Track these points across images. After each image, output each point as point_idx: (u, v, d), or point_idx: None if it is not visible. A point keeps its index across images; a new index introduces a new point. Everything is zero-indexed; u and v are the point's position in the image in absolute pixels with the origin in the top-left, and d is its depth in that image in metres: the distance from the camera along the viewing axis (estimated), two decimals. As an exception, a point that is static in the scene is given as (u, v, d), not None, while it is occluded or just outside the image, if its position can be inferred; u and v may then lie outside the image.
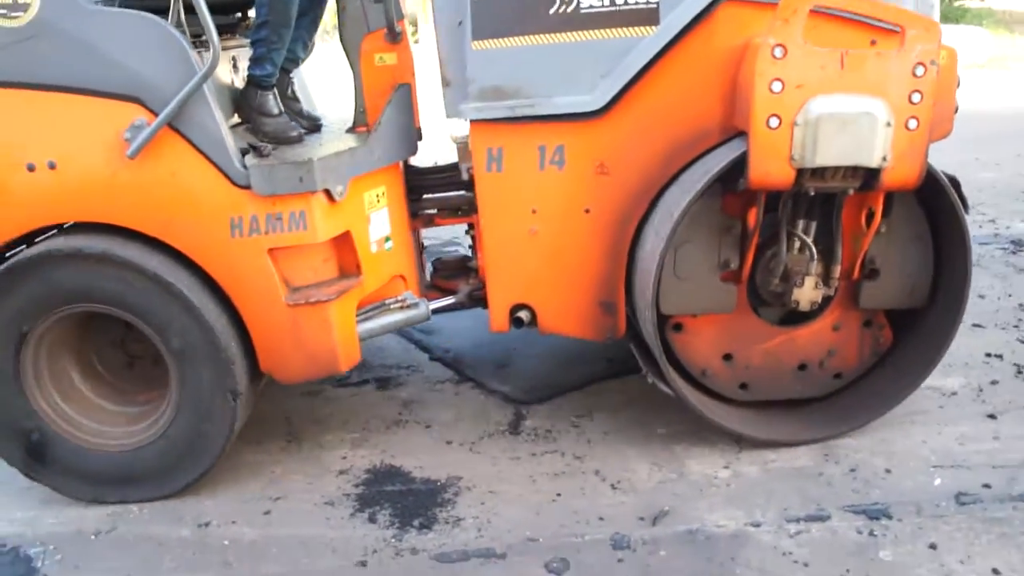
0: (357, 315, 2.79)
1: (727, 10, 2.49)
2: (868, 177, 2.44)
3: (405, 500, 2.62)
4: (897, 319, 2.86)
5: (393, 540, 2.43)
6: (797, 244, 2.66)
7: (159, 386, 2.77)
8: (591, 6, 2.56)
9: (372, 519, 2.54)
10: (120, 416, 2.85)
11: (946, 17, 15.77)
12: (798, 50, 2.35)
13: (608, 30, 2.58)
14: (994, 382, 3.10)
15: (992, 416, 2.88)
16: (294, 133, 2.86)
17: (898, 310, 2.83)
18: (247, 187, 2.54)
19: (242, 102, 2.88)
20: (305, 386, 3.36)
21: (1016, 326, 3.57)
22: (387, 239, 2.87)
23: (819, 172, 2.43)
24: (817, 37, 2.38)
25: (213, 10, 2.56)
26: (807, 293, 2.68)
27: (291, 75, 3.16)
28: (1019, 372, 3.17)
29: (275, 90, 2.92)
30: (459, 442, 2.94)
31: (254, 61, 2.84)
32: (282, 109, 2.93)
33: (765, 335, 2.83)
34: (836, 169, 2.41)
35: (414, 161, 3.04)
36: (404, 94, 2.81)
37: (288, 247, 2.61)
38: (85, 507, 2.72)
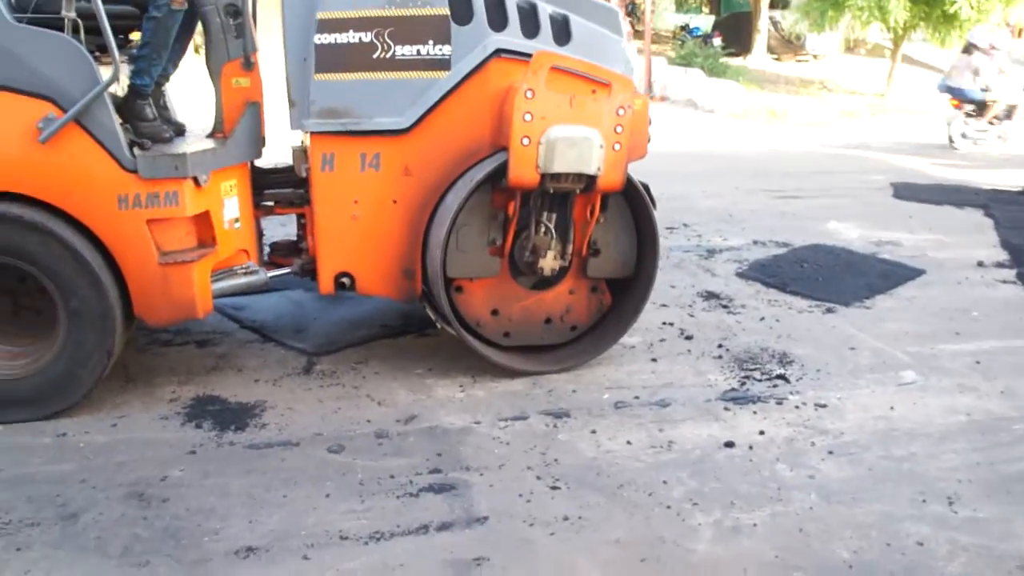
0: (211, 276, 3.61)
1: (497, 64, 3.57)
2: (589, 181, 3.55)
3: (223, 415, 3.45)
4: (615, 287, 3.96)
5: (215, 438, 3.27)
6: (543, 229, 3.70)
7: (41, 332, 3.49)
8: (404, 55, 3.55)
9: (198, 426, 3.36)
10: (15, 352, 3.54)
11: (712, 71, 18.00)
12: (542, 93, 3.45)
13: (415, 72, 3.58)
14: (662, 340, 4.30)
15: (654, 360, 4.06)
16: (166, 135, 3.62)
17: (614, 279, 3.93)
18: (134, 171, 3.33)
19: (124, 107, 3.59)
20: (138, 345, 4.14)
21: (691, 306, 4.82)
22: (236, 220, 3.70)
23: (556, 176, 3.52)
24: (558, 86, 3.48)
25: (98, 32, 3.35)
26: (549, 263, 3.73)
27: (163, 88, 3.98)
28: (681, 334, 4.38)
29: (151, 99, 3.70)
30: (264, 380, 3.78)
31: (135, 73, 3.59)
32: (156, 115, 3.69)
33: (521, 296, 3.85)
34: (567, 175, 3.52)
35: (258, 163, 3.91)
36: (254, 110, 3.68)
37: (162, 219, 3.42)
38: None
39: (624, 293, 3.96)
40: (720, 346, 4.19)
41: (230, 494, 2.89)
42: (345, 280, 3.78)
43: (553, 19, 3.68)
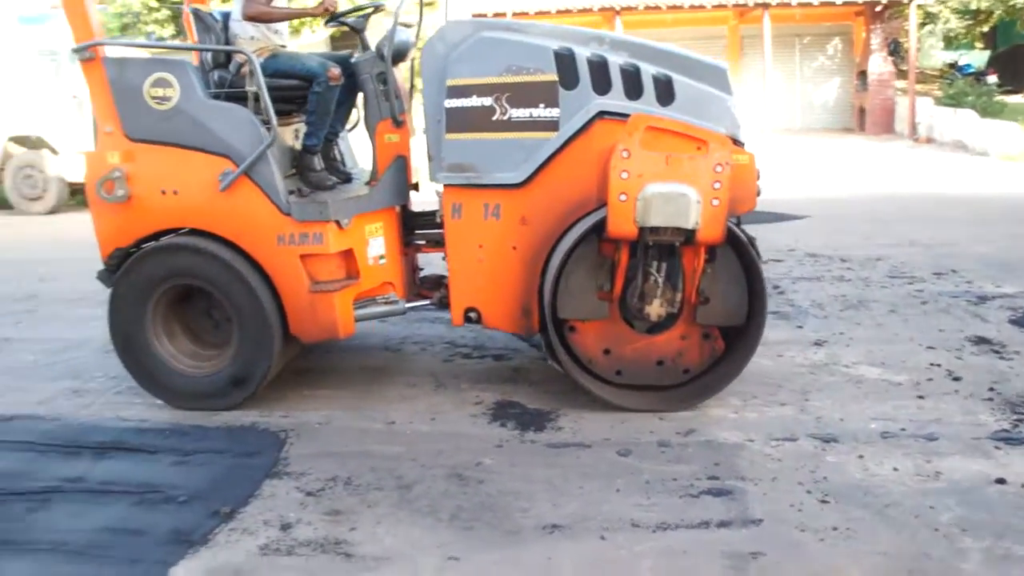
0: (354, 304, 4.27)
1: (600, 125, 3.89)
2: (688, 234, 3.75)
3: (523, 417, 4.03)
4: (729, 332, 4.09)
5: (518, 435, 3.84)
6: (651, 277, 3.92)
7: (226, 337, 4.33)
8: (518, 117, 3.94)
9: (502, 425, 3.96)
10: (200, 354, 4.42)
11: (985, 111, 17.03)
12: (637, 153, 3.73)
13: (527, 133, 3.95)
14: (930, 379, 4.40)
15: (920, 397, 4.16)
16: (328, 183, 4.40)
17: (727, 327, 4.07)
18: (289, 215, 4.10)
19: (298, 160, 4.45)
20: (444, 357, 4.85)
21: (959, 349, 4.83)
22: (381, 257, 4.35)
23: (655, 229, 3.74)
24: (654, 144, 3.75)
25: (285, 100, 4.41)
26: (656, 309, 3.93)
27: (334, 143, 4.79)
28: (948, 375, 4.43)
29: (319, 154, 4.46)
30: (555, 391, 4.33)
31: (306, 135, 4.40)
32: (323, 166, 4.47)
33: (633, 338, 4.08)
34: (666, 228, 3.73)
35: (414, 207, 4.58)
36: (401, 163, 4.33)
37: (311, 255, 4.15)
38: (303, 411, 4.21)
39: (737, 340, 4.10)
40: (991, 389, 4.22)
41: (534, 481, 3.40)
42: (472, 314, 4.23)
43: (656, 80, 3.89)
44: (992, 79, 20.94)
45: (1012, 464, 3.45)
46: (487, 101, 3.95)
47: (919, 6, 20.04)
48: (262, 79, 4.07)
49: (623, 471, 3.47)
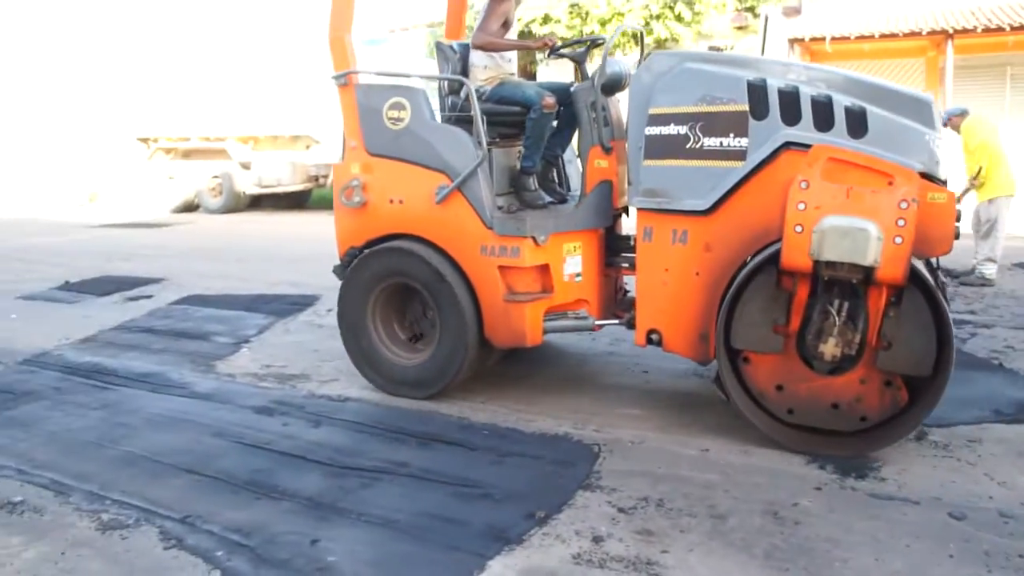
0: (546, 316, 4.54)
1: (787, 156, 3.84)
2: (866, 272, 3.55)
3: (843, 462, 3.83)
4: (915, 384, 3.77)
5: (837, 480, 3.66)
6: (828, 315, 3.73)
7: (429, 336, 4.85)
8: (709, 145, 3.98)
9: (821, 467, 3.79)
10: (411, 346, 4.98)
11: None
12: (817, 184, 3.66)
13: (716, 161, 3.98)
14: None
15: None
16: (540, 202, 4.76)
17: (913, 376, 3.73)
18: (491, 228, 4.45)
19: (515, 179, 4.83)
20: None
21: None
22: (578, 275, 4.59)
23: (831, 264, 3.61)
24: (836, 177, 3.68)
25: (508, 124, 4.86)
26: (830, 349, 3.75)
27: (554, 165, 5.05)
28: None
29: (536, 175, 4.81)
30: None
31: (523, 157, 4.78)
32: (537, 187, 4.82)
33: (808, 377, 3.89)
34: (842, 264, 3.58)
35: (625, 231, 4.79)
36: (606, 187, 4.57)
37: (509, 267, 4.47)
38: (615, 427, 4.29)
39: (921, 391, 3.77)
40: None
41: (854, 531, 3.23)
42: (654, 336, 4.29)
43: (849, 111, 3.77)
44: None
45: None
46: (683, 129, 4.05)
47: None
48: (476, 105, 4.48)
49: (957, 536, 3.20)
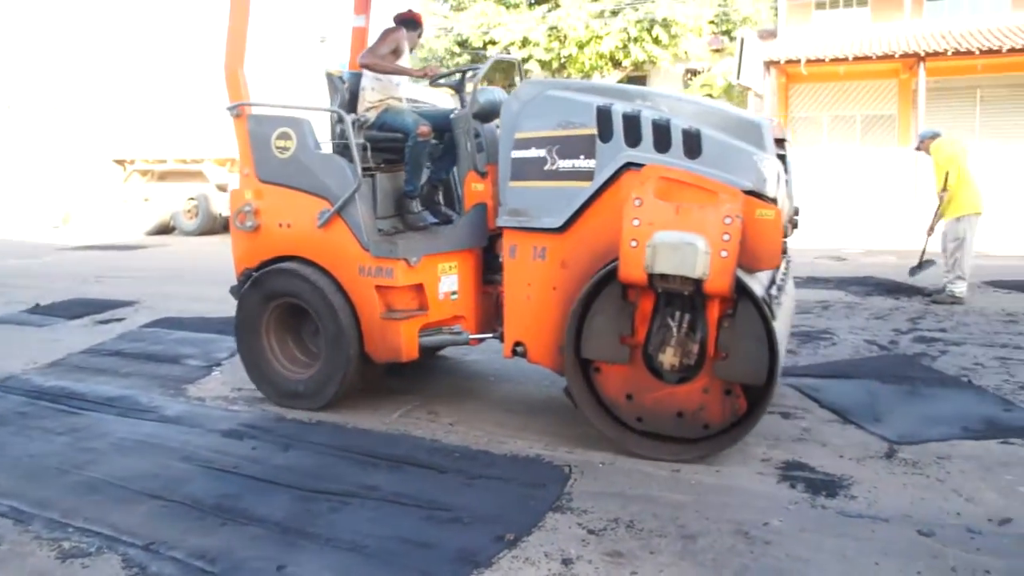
0: (422, 332, 4.76)
1: (628, 175, 4.05)
2: (697, 285, 3.76)
3: (813, 481, 3.83)
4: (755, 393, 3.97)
5: (808, 499, 3.65)
6: (666, 326, 3.95)
7: (318, 351, 5.03)
8: (563, 167, 4.22)
9: (792, 486, 3.78)
10: (301, 361, 5.19)
11: None
12: (650, 202, 3.88)
13: (569, 182, 4.22)
14: None
15: None
16: (422, 224, 5.05)
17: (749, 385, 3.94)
18: (368, 250, 4.68)
19: (400, 203, 5.15)
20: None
21: None
22: (454, 293, 4.84)
23: (664, 277, 3.81)
24: (667, 195, 3.90)
25: (394, 150, 5.13)
26: (668, 358, 3.95)
27: (439, 188, 5.37)
28: None
29: (419, 198, 5.11)
30: (847, 457, 4.09)
31: (405, 182, 5.08)
32: (420, 209, 5.11)
33: (654, 386, 4.09)
34: (675, 277, 3.78)
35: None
36: (481, 210, 4.84)
37: (384, 286, 4.70)
38: (587, 448, 4.27)
39: (758, 399, 3.98)
40: None
41: (824, 550, 3.22)
42: (519, 348, 4.49)
43: (686, 134, 3.98)
44: None
45: None
46: (542, 152, 4.29)
47: None
48: (352, 135, 4.74)
49: (925, 553, 3.20)
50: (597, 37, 22.56)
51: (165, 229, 18.68)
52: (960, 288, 7.90)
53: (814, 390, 5.10)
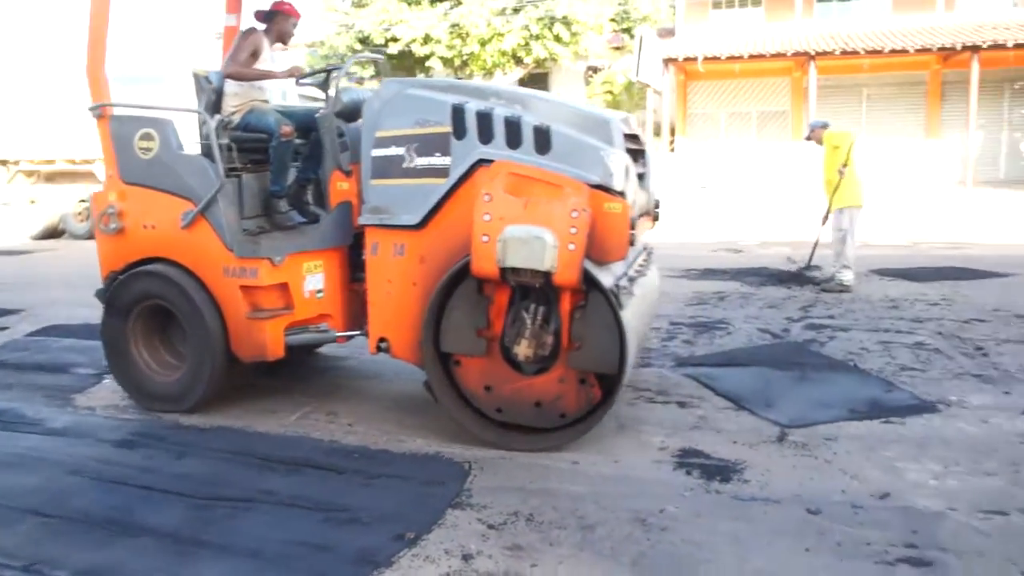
0: (288, 331, 4.76)
1: (481, 171, 4.13)
2: (546, 277, 3.87)
3: (708, 467, 3.93)
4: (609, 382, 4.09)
5: (702, 485, 3.75)
6: (520, 318, 4.05)
7: (185, 349, 4.97)
8: (420, 164, 4.27)
9: (687, 473, 3.88)
10: (169, 363, 5.12)
11: None
12: (499, 197, 3.96)
13: (425, 179, 4.27)
14: None
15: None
16: (289, 224, 5.04)
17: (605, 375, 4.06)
18: (232, 250, 4.68)
19: (267, 203, 5.11)
20: (627, 399, 4.87)
21: None
22: (319, 291, 4.86)
23: (515, 270, 3.89)
24: (516, 190, 3.97)
25: (260, 151, 5.08)
26: (523, 350, 4.04)
27: (307, 187, 5.24)
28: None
29: (285, 198, 5.11)
30: (741, 442, 4.22)
31: (271, 182, 5.05)
32: (287, 209, 5.13)
33: (513, 378, 4.19)
34: (525, 270, 3.86)
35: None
36: (346, 208, 4.84)
37: (249, 286, 4.70)
38: (484, 444, 4.27)
39: (611, 387, 4.11)
40: None
41: (719, 533, 3.31)
42: (383, 344, 4.54)
43: (537, 130, 4.06)
44: None
45: None
46: (401, 151, 4.34)
47: None
48: (214, 137, 4.75)
49: (813, 531, 3.33)
50: (499, 34, 22.61)
51: (54, 233, 17.90)
52: (847, 277, 8.22)
53: (710, 379, 5.24)
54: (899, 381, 5.18)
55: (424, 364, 4.36)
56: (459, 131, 4.21)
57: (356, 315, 5.03)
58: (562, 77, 25.62)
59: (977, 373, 5.35)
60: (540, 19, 22.46)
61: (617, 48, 25.16)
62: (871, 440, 4.23)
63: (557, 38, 22.76)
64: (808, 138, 8.76)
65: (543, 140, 4.08)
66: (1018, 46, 18.78)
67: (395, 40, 22.58)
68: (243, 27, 5.45)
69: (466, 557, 3.18)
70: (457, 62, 23.20)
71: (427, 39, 22.61)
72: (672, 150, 22.54)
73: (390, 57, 21.48)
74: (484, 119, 4.17)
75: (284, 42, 5.49)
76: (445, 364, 4.33)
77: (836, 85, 21.63)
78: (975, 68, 19.04)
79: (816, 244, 8.90)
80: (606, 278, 4.01)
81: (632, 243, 4.05)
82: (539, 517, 3.49)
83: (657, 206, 5.00)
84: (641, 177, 4.60)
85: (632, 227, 4.03)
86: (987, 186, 19.63)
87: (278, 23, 5.37)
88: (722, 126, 23.28)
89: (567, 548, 3.24)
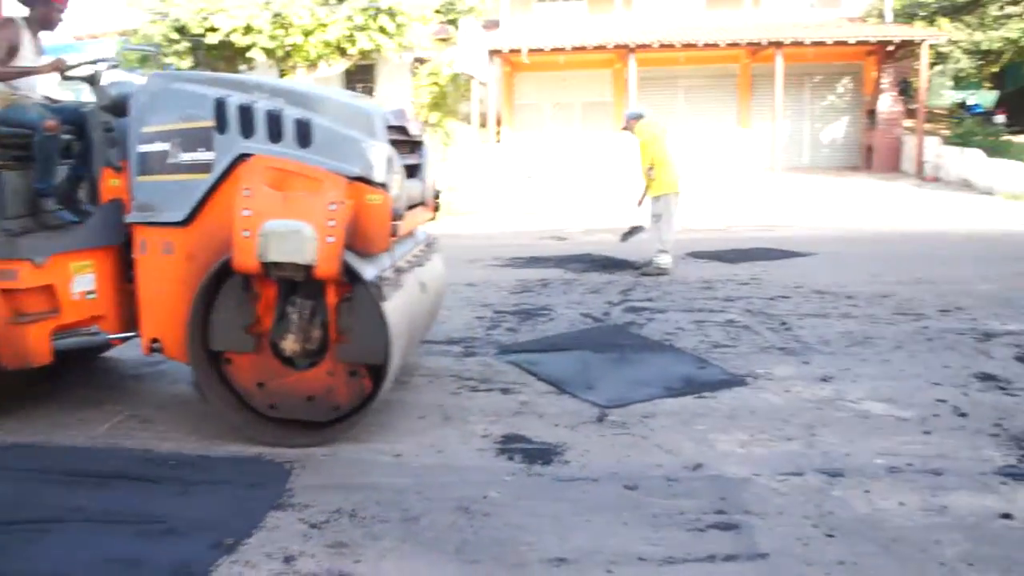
0: (55, 335, 4.47)
1: (243, 166, 4.05)
2: (308, 271, 3.85)
3: (530, 451, 4.00)
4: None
5: (524, 469, 3.81)
6: (288, 312, 4.05)
7: None
8: (184, 160, 4.17)
9: (510, 458, 3.93)
10: None
11: (993, 151, 17.12)
12: (258, 191, 3.92)
13: (190, 175, 4.18)
14: (936, 415, 4.41)
15: (927, 432, 4.14)
16: (55, 222, 4.74)
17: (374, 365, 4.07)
18: None
19: (33, 201, 4.78)
20: (451, 389, 4.90)
21: (965, 386, 4.84)
22: (90, 292, 4.57)
23: (277, 265, 3.87)
24: (275, 184, 3.94)
25: (22, 147, 4.73)
26: (289, 344, 4.05)
27: (79, 185, 4.98)
28: (955, 411, 4.44)
29: (55, 196, 4.81)
30: (562, 425, 4.32)
31: (36, 179, 4.72)
32: (56, 207, 4.83)
33: (284, 373, 4.17)
34: (286, 264, 3.85)
35: None
36: (116, 206, 4.55)
37: (8, 289, 4.38)
38: (304, 448, 4.15)
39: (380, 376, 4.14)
40: (997, 425, 4.22)
41: (540, 515, 3.38)
42: (155, 344, 4.42)
43: (298, 123, 4.05)
44: (1000, 119, 21.08)
45: (1018, 499, 3.44)
46: (165, 146, 4.22)
47: (931, 46, 20.19)
48: None
49: (630, 505, 3.46)
50: (322, 25, 22.11)
51: None
52: (665, 260, 8.60)
53: (532, 364, 5.35)
54: (712, 358, 5.46)
55: (192, 363, 4.24)
56: (222, 125, 4.11)
57: (132, 316, 4.76)
58: (388, 69, 25.36)
59: (781, 346, 5.72)
60: (365, 10, 22.11)
61: (443, 39, 25.15)
62: (685, 415, 4.44)
63: (382, 29, 22.48)
64: (624, 129, 9.09)
65: (304, 133, 4.03)
66: (815, 44, 20.15)
67: (214, 30, 21.66)
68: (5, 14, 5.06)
69: (288, 559, 3.10)
70: (280, 53, 22.52)
71: (248, 29, 21.81)
72: (499, 141, 22.79)
73: (209, 48, 20.62)
74: (246, 113, 4.10)
75: (50, 29, 5.11)
76: (217, 363, 4.23)
77: (655, 77, 22.50)
78: (779, 63, 20.29)
79: (634, 226, 9.25)
80: (368, 270, 4.00)
81: (395, 234, 4.05)
82: (362, 513, 3.45)
83: (437, 196, 5.01)
84: (416, 168, 4.62)
85: (396, 218, 4.03)
86: (793, 172, 20.98)
87: (40, 9, 4.98)
88: (547, 117, 23.76)
89: (390, 541, 3.22)
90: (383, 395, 4.14)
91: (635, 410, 4.53)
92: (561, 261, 9.67)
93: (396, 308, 4.08)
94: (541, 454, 3.99)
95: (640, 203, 8.98)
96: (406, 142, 4.54)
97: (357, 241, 3.94)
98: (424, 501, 3.54)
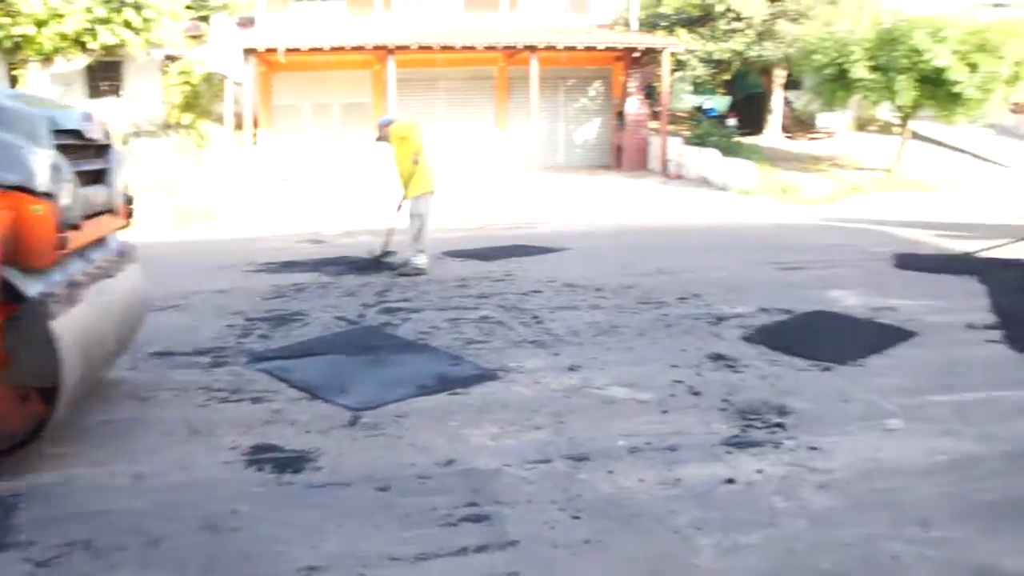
0: None
1: None
2: None
3: (280, 460, 3.88)
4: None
5: (275, 479, 3.70)
6: None
7: None
8: None
9: (259, 469, 3.79)
10: None
11: (726, 151, 18.67)
12: None
13: None
14: (672, 395, 4.74)
15: (664, 412, 4.48)
16: None
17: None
18: None
19: None
20: (198, 402, 4.65)
21: (699, 366, 5.25)
22: None
23: None
24: None
25: None
26: None
27: None
28: (689, 391, 4.81)
29: None
30: (315, 431, 4.22)
31: None
32: None
33: None
34: None
35: None
36: None
37: None
38: (39, 472, 3.81)
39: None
40: (725, 400, 4.60)
41: (292, 525, 3.29)
42: None
43: None
44: (732, 122, 23.06)
45: (740, 465, 3.79)
46: None
47: (672, 54, 21.69)
48: None
49: (382, 506, 3.44)
50: (58, 16, 20.34)
51: None
52: (422, 260, 8.64)
53: (284, 371, 5.19)
54: (465, 354, 5.55)
55: None
56: None
57: None
58: (136, 67, 23.80)
59: (532, 339, 5.91)
60: (107, 2, 20.59)
61: (195, 37, 23.95)
62: (438, 412, 4.48)
63: (127, 24, 21.02)
64: (379, 139, 8.97)
65: None
66: (567, 48, 21.05)
67: (-82, 18, 19.35)
68: None
69: (10, 604, 2.81)
70: (8, 44, 20.49)
71: (-29, 18, 19.67)
72: (255, 143, 22.02)
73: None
74: None
75: None
76: None
77: (414, 78, 22.59)
78: (534, 66, 20.99)
79: (391, 231, 9.23)
80: (33, 286, 3.63)
81: (63, 247, 3.72)
82: (97, 543, 3.20)
83: (130, 202, 4.69)
84: (102, 173, 4.32)
85: (67, 229, 3.72)
86: (548, 171, 21.82)
87: None
88: (306, 118, 23.24)
89: (129, 570, 3.02)
90: (60, 418, 3.79)
91: (388, 411, 4.52)
92: (317, 265, 9.47)
93: (69, 326, 3.72)
94: (292, 462, 3.88)
95: (399, 208, 8.95)
96: (88, 147, 4.21)
97: (19, 256, 3.54)
98: (166, 523, 3.34)
